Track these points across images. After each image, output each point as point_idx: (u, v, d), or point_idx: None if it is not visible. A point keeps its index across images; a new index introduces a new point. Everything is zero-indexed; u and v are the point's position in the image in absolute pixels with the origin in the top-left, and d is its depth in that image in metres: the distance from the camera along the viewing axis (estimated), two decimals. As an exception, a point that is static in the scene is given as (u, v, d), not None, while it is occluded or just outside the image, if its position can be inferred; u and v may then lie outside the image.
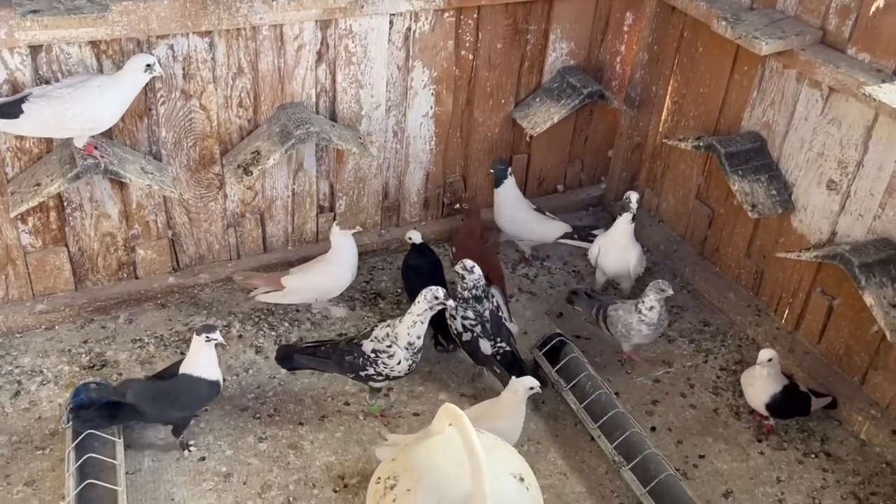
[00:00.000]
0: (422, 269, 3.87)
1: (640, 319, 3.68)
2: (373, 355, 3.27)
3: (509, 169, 4.18)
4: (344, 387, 3.57)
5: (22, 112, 3.08)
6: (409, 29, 3.89)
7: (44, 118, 3.10)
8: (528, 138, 4.49)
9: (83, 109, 3.13)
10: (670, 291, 3.62)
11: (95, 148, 3.32)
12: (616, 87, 4.58)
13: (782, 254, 3.70)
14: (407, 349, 3.25)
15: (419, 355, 3.31)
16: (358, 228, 3.82)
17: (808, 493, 3.32)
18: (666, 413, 3.65)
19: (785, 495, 3.31)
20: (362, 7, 3.61)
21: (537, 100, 4.34)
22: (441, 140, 4.30)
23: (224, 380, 3.56)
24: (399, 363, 3.26)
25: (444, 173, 4.44)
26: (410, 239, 3.93)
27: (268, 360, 3.70)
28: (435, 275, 3.84)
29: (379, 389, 3.50)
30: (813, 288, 3.86)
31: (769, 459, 3.45)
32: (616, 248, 4.04)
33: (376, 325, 3.37)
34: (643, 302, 3.65)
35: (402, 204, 4.41)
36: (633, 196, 3.95)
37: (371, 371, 3.30)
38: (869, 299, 3.30)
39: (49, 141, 3.44)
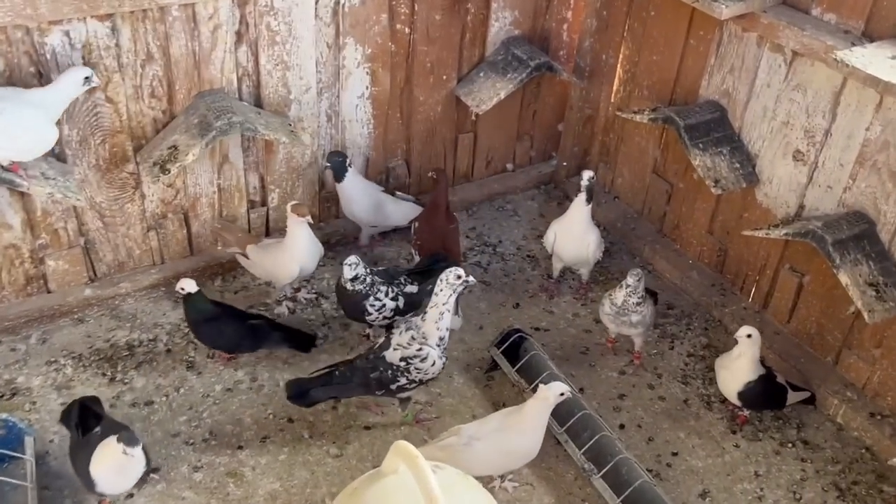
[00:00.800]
0: (214, 316, 3.31)
1: (609, 295, 3.47)
2: (403, 364, 2.97)
3: (347, 160, 3.72)
4: (284, 402, 3.26)
5: None
6: (337, 3, 3.53)
7: None
8: (473, 116, 4.18)
9: (14, 136, 2.85)
10: (630, 281, 3.36)
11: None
12: (564, 57, 4.29)
13: (749, 231, 3.48)
14: (439, 346, 2.97)
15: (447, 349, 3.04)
16: (308, 219, 3.46)
17: (787, 487, 3.13)
18: (634, 408, 3.42)
19: (764, 491, 3.11)
20: (283, -20, 3.24)
21: (481, 74, 4.03)
22: (380, 122, 3.97)
23: (151, 402, 3.24)
24: (434, 364, 2.98)
25: (385, 157, 4.11)
26: (183, 290, 3.24)
27: (200, 377, 3.36)
28: (234, 315, 3.38)
29: (409, 399, 3.18)
30: (781, 265, 3.65)
31: (745, 452, 3.25)
32: (573, 234, 3.74)
33: (391, 333, 3.05)
34: (620, 286, 3.43)
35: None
36: (587, 174, 3.65)
37: (403, 381, 3.00)
38: (844, 278, 3.09)
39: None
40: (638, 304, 3.41)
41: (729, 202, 3.80)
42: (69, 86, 2.96)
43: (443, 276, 2.92)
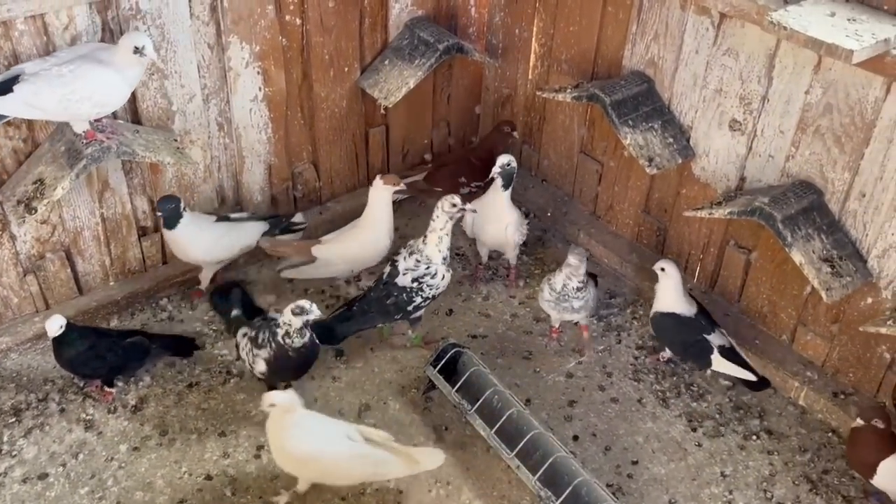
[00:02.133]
0: (91, 345, 2.98)
1: (548, 280, 3.26)
2: (415, 284, 3.16)
3: (181, 204, 3.20)
4: (200, 456, 2.90)
5: (12, 93, 2.65)
6: (214, -2, 3.12)
7: (42, 102, 2.69)
8: (382, 109, 3.81)
9: (91, 91, 2.73)
10: (572, 260, 3.14)
11: (99, 131, 2.91)
12: (474, 35, 3.95)
13: (690, 212, 3.22)
14: (443, 263, 3.18)
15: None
16: (402, 186, 3.41)
17: (757, 486, 2.92)
18: (586, 414, 3.15)
19: (734, 494, 2.89)
20: (146, -22, 2.80)
21: (386, 62, 3.66)
22: (279, 125, 3.57)
23: (46, 475, 2.83)
24: (443, 278, 3.20)
25: (289, 163, 3.72)
26: (60, 327, 2.90)
27: (101, 437, 2.96)
28: (109, 336, 3.08)
29: (420, 319, 3.30)
30: (725, 242, 3.42)
31: (708, 451, 3.03)
32: (490, 217, 3.50)
33: (396, 260, 3.22)
34: (560, 269, 3.21)
35: (244, 207, 3.68)
36: (501, 160, 3.39)
37: (419, 300, 3.19)
38: (798, 257, 2.86)
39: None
40: (579, 288, 3.17)
41: (664, 179, 3.54)
42: (124, 52, 2.76)
43: (439, 203, 3.11)
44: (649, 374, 3.31)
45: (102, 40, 2.95)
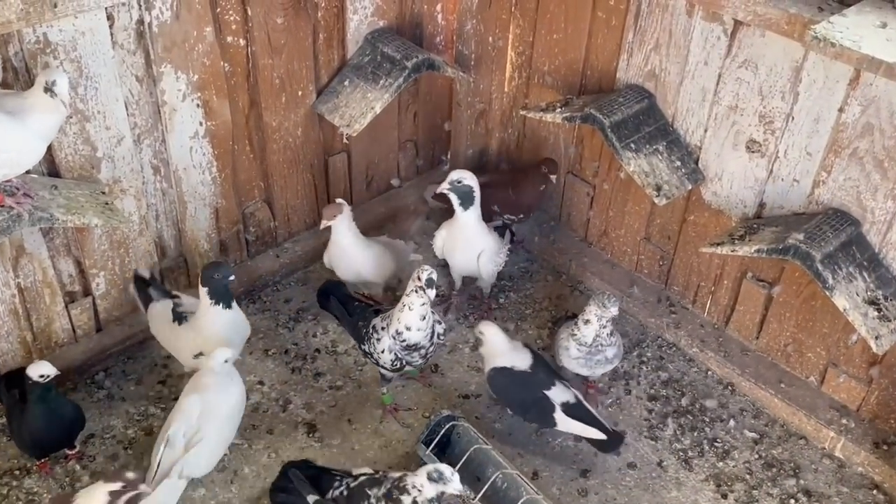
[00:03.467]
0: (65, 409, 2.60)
1: (571, 335, 2.84)
2: (371, 331, 2.77)
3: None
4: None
5: None
6: (140, 22, 2.59)
7: None
8: (345, 139, 3.33)
9: None
10: (613, 310, 2.76)
11: (7, 194, 2.36)
12: (442, 45, 3.49)
13: (708, 249, 2.82)
14: (394, 338, 2.68)
15: (418, 355, 2.72)
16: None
17: (805, 563, 2.57)
18: (602, 486, 2.76)
19: (781, 576, 2.53)
20: (55, 6, 2.26)
21: (346, 83, 3.17)
22: (225, 163, 3.07)
23: None
24: (383, 352, 2.72)
25: (239, 203, 3.22)
26: (44, 376, 2.48)
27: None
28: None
29: (388, 379, 2.89)
30: (742, 274, 3.04)
31: (745, 523, 2.67)
32: (459, 241, 3.10)
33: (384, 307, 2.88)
34: (582, 314, 2.83)
35: (189, 258, 3.17)
36: (452, 176, 2.99)
37: (366, 348, 2.80)
38: (841, 301, 2.50)
39: None
40: (611, 332, 2.83)
41: (668, 203, 3.14)
42: (37, 90, 2.26)
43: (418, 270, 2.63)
44: (665, 428, 2.93)
45: (5, 83, 2.41)
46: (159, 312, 2.83)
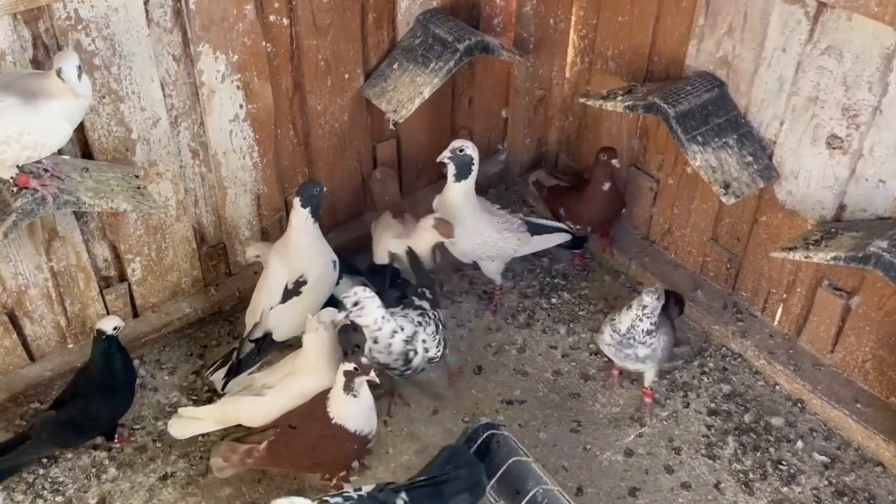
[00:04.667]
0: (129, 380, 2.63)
1: (611, 319, 2.70)
2: None
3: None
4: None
5: None
6: (177, -1, 2.49)
7: None
8: (391, 125, 3.17)
9: (18, 132, 2.10)
10: (646, 299, 2.57)
11: (33, 175, 2.25)
12: (500, 27, 3.29)
13: (779, 254, 2.57)
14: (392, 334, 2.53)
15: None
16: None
17: None
18: (653, 506, 2.55)
19: None
20: (84, -20, 2.16)
21: (395, 66, 3.01)
22: (267, 147, 2.95)
23: None
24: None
25: (281, 190, 3.10)
26: (116, 328, 2.51)
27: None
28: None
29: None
30: (817, 282, 2.78)
31: (810, 557, 2.42)
32: (452, 219, 2.91)
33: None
34: (628, 307, 2.67)
35: (228, 245, 3.07)
36: (454, 144, 2.89)
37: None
38: (929, 319, 2.23)
39: None
40: (649, 332, 2.61)
41: (739, 202, 2.88)
42: (53, 73, 2.11)
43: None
44: (725, 447, 2.70)
45: (35, 60, 2.32)
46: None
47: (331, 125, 3.07)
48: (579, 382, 2.90)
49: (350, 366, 2.29)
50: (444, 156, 2.88)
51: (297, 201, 2.68)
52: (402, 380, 2.75)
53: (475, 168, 2.89)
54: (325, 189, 2.72)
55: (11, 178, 2.24)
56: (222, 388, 2.69)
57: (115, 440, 2.67)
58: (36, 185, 2.25)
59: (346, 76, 2.99)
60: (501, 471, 2.42)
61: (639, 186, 3.24)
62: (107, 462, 2.64)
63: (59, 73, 2.08)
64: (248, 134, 2.87)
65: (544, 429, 2.76)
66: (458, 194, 2.92)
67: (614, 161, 2.99)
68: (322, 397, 2.40)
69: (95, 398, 2.52)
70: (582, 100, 3.03)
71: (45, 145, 2.19)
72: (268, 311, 2.73)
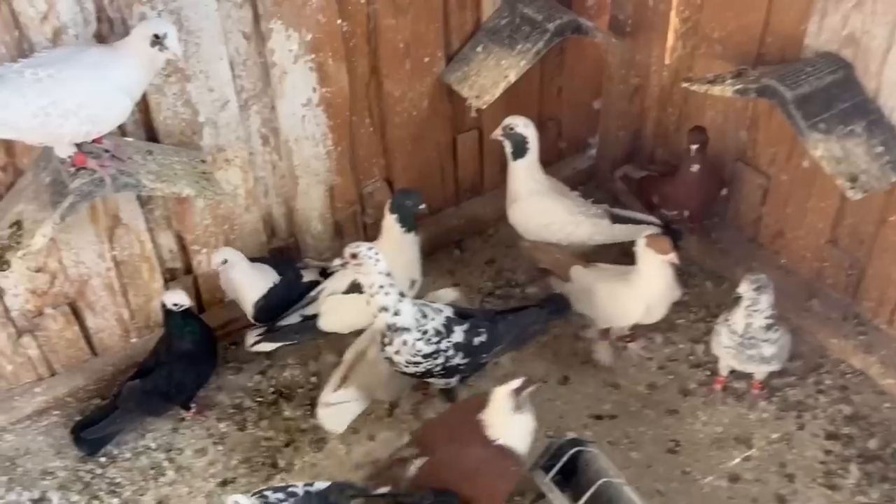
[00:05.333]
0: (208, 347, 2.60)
1: (725, 319, 2.48)
2: None
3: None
4: None
5: None
6: (249, -29, 2.33)
7: (9, 116, 1.95)
8: (473, 112, 2.94)
9: (78, 103, 1.97)
10: (745, 287, 2.35)
11: (92, 155, 2.13)
12: (594, 8, 3.03)
13: None
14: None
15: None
16: (673, 258, 2.47)
17: None
18: (762, 542, 2.25)
19: None
20: (149, -53, 2.02)
21: (479, 49, 2.80)
22: (341, 135, 2.77)
23: None
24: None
25: (356, 182, 2.92)
26: (177, 305, 2.46)
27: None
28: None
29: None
30: (958, 290, 2.43)
31: None
32: (515, 200, 2.80)
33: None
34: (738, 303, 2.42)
35: (300, 239, 2.90)
36: (507, 120, 2.73)
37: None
38: None
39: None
40: (767, 327, 2.36)
41: (863, 200, 2.50)
42: (137, 43, 2.02)
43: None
44: (847, 476, 2.37)
45: (99, 35, 2.20)
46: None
47: (409, 113, 2.87)
48: (677, 397, 2.62)
49: (516, 383, 2.08)
50: (497, 134, 2.73)
51: (388, 203, 2.57)
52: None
53: (531, 146, 2.73)
54: (422, 206, 2.54)
55: (69, 156, 2.11)
56: (251, 345, 2.61)
57: (190, 411, 2.59)
58: (94, 166, 2.12)
59: (426, 60, 2.79)
60: (590, 492, 2.17)
61: (746, 183, 2.93)
62: (165, 464, 2.50)
63: (162, 38, 1.98)
64: (322, 120, 2.69)
65: (637, 448, 2.48)
66: (518, 173, 2.76)
67: (703, 141, 2.73)
68: (467, 419, 2.15)
69: (178, 366, 2.50)
70: (685, 84, 2.74)
71: (104, 120, 2.06)
72: (327, 295, 2.58)
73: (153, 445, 2.54)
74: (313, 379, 2.72)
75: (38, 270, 2.45)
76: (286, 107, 2.60)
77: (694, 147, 2.73)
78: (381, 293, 2.24)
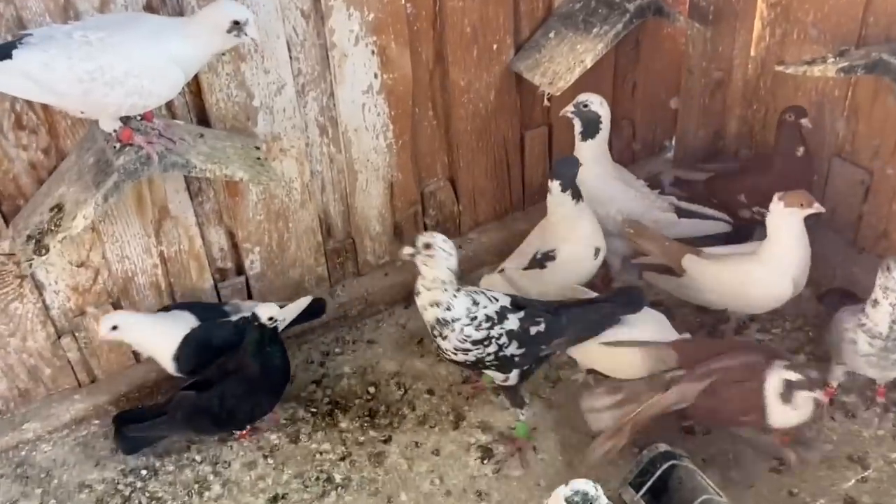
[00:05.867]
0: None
1: (859, 324, 2.15)
2: None
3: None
4: None
5: (9, 59, 1.76)
6: (309, -59, 2.18)
7: (53, 79, 1.78)
8: (545, 100, 2.74)
9: (126, 71, 1.81)
10: (885, 280, 2.08)
11: (139, 132, 1.97)
12: (672, -4, 2.84)
13: None
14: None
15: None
16: (817, 207, 2.26)
17: None
18: (889, 576, 1.94)
19: None
20: None
21: (551, 35, 2.61)
22: (403, 128, 2.58)
23: None
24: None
25: (418, 179, 2.73)
26: (272, 320, 2.22)
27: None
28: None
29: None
30: None
31: None
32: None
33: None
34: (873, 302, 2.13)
35: (357, 241, 2.71)
36: (580, 97, 2.52)
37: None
38: None
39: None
40: None
41: None
42: (213, 26, 1.89)
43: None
44: (983, 501, 2.06)
45: (149, 7, 2.05)
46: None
47: (475, 105, 2.68)
48: (776, 410, 2.33)
49: (795, 375, 1.98)
50: (568, 110, 2.54)
51: (549, 173, 2.43)
52: (524, 425, 2.30)
53: (604, 126, 2.55)
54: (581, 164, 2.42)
55: (114, 131, 1.95)
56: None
57: (239, 433, 2.36)
58: (141, 142, 1.95)
59: (495, 46, 2.60)
60: (687, 512, 1.90)
61: (844, 179, 2.67)
62: (211, 478, 2.29)
63: (241, 25, 1.87)
64: (383, 109, 2.51)
65: (736, 466, 2.20)
66: (585, 155, 2.53)
67: (804, 120, 2.49)
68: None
69: (237, 391, 2.23)
70: (780, 68, 2.51)
71: (152, 93, 1.89)
72: (507, 269, 2.46)
73: (198, 458, 2.34)
74: (371, 389, 2.50)
75: (81, 265, 2.28)
76: (346, 93, 2.42)
77: (804, 120, 2.47)
78: (441, 289, 2.04)
